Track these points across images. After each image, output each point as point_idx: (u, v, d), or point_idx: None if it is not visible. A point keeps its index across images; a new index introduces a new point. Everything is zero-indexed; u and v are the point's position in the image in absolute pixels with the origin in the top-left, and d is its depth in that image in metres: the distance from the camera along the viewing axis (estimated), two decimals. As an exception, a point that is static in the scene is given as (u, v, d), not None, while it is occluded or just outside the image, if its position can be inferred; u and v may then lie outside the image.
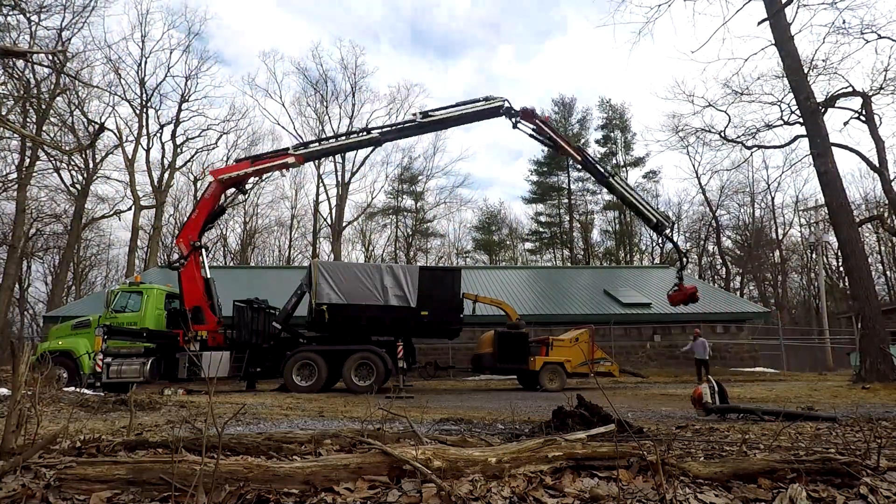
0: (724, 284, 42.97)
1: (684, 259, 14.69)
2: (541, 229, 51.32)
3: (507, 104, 15.18)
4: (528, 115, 15.30)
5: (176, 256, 14.46)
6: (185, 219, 15.15)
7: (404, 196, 47.51)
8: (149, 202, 37.24)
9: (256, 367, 13.69)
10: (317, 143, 16.52)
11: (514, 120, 15.35)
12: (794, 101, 15.23)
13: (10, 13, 22.70)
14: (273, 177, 44.71)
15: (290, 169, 16.33)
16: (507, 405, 8.26)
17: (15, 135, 28.23)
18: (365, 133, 15.89)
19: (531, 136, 15.49)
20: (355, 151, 42.87)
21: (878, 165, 15.17)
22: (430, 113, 15.34)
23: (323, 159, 38.54)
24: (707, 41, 38.60)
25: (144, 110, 36.96)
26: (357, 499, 2.28)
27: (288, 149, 15.58)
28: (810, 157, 15.00)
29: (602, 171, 15.87)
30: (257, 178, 16.41)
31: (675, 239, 14.69)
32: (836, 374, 20.60)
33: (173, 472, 2.24)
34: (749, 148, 18.84)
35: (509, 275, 30.18)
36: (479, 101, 15.27)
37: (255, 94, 79.39)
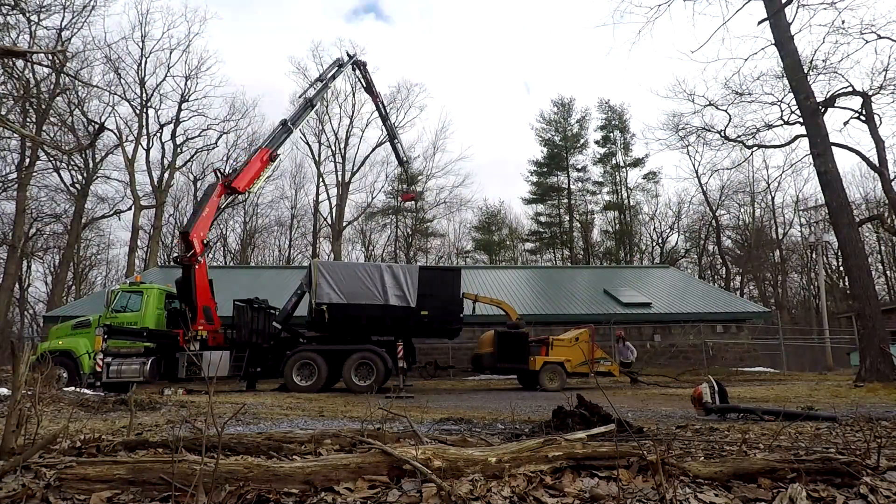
0: (724, 284, 42.98)
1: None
2: (541, 229, 51.36)
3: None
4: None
5: (177, 253, 14.48)
6: (193, 215, 15.06)
7: (404, 196, 47.48)
8: (149, 202, 37.27)
9: (256, 366, 13.70)
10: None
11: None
12: (794, 101, 15.22)
13: (10, 13, 22.70)
14: (274, 176, 44.88)
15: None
16: (507, 405, 8.25)
17: (15, 135, 28.27)
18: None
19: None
20: (356, 150, 43.12)
21: (878, 165, 15.13)
22: None
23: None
24: (707, 41, 38.63)
25: (144, 110, 37.00)
26: (357, 499, 2.28)
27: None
28: (810, 156, 14.99)
29: None
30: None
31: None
32: (836, 374, 20.59)
33: (173, 471, 2.24)
34: (749, 147, 18.84)
35: (509, 275, 30.17)
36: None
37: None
